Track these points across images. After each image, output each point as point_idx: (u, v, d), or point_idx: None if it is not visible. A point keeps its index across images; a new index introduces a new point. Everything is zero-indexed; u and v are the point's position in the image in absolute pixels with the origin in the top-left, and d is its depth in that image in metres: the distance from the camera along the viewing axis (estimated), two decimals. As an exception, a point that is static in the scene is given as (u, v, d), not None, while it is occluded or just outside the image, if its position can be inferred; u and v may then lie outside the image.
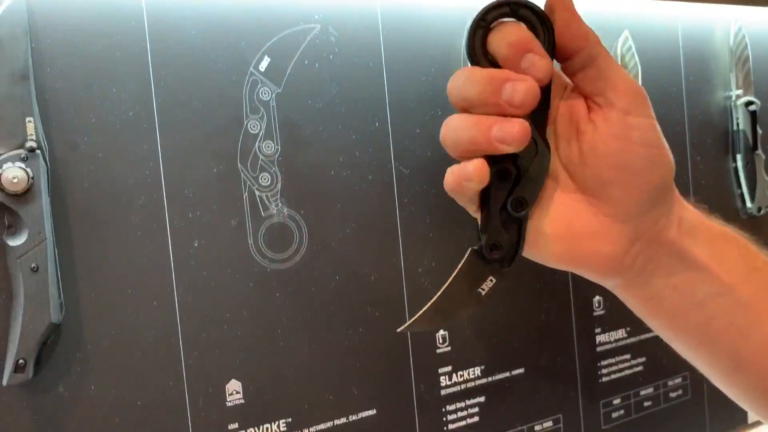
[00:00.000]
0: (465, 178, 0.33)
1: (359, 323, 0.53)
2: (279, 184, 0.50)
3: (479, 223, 0.35)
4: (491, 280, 0.34)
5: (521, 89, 0.31)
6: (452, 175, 0.34)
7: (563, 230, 0.34)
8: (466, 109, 0.33)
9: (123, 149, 0.44)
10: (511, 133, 0.31)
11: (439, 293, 0.35)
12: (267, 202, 0.49)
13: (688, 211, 0.35)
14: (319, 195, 0.51)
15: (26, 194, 0.40)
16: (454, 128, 0.33)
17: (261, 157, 0.49)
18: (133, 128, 0.45)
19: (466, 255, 0.35)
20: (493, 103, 0.32)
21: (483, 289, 0.34)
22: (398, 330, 0.37)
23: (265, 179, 0.49)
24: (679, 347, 0.38)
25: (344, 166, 0.52)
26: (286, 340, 0.50)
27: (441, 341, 0.57)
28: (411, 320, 0.36)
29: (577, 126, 0.34)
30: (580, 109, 0.34)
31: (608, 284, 0.37)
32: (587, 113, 0.34)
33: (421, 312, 0.35)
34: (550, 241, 0.34)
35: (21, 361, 0.40)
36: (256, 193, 0.49)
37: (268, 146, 0.49)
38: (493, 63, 0.33)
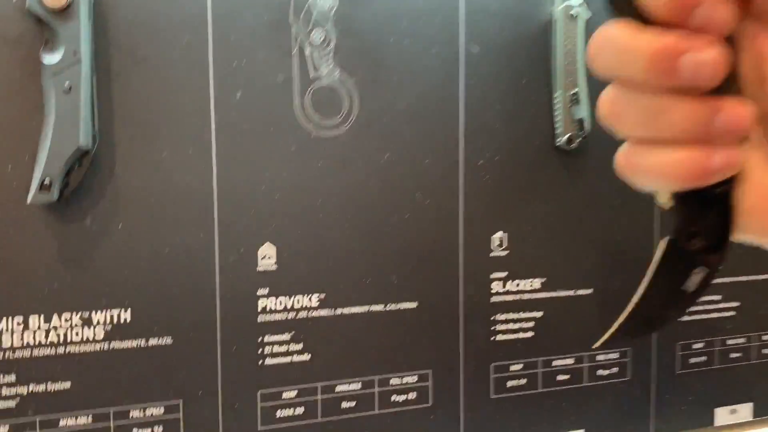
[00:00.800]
0: (722, 166, 0.24)
1: (406, 209, 0.49)
2: (332, 44, 0.46)
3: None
4: (699, 272, 0.27)
5: (707, 63, 0.22)
6: (695, 162, 0.24)
7: (762, 201, 0.27)
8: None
9: (170, -16, 0.43)
10: (741, 123, 0.23)
11: (637, 295, 0.28)
12: (317, 62, 0.46)
13: None
14: (375, 62, 0.47)
15: (65, 11, 0.39)
16: (640, 114, 0.24)
17: (315, 11, 0.45)
18: (183, -37, 0.43)
19: (663, 247, 0.27)
20: (668, 87, 0.23)
21: (691, 284, 0.27)
22: (594, 346, 0.29)
23: (318, 36, 0.46)
24: None
25: (406, 34, 0.48)
26: (325, 212, 0.47)
27: (497, 243, 0.52)
28: (609, 332, 0.28)
29: (765, 73, 0.25)
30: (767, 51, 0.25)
31: None
32: None
33: (620, 320, 0.28)
34: (748, 216, 0.27)
35: (47, 180, 0.39)
36: (307, 50, 0.46)
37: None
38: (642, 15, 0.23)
